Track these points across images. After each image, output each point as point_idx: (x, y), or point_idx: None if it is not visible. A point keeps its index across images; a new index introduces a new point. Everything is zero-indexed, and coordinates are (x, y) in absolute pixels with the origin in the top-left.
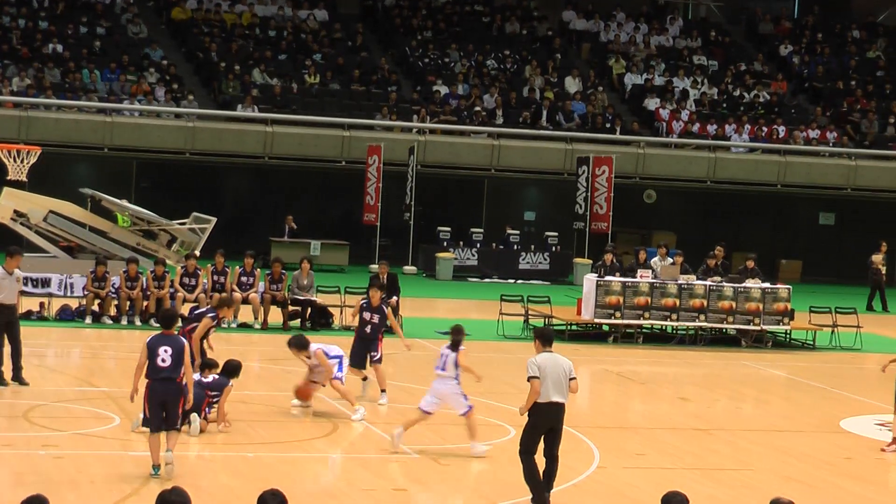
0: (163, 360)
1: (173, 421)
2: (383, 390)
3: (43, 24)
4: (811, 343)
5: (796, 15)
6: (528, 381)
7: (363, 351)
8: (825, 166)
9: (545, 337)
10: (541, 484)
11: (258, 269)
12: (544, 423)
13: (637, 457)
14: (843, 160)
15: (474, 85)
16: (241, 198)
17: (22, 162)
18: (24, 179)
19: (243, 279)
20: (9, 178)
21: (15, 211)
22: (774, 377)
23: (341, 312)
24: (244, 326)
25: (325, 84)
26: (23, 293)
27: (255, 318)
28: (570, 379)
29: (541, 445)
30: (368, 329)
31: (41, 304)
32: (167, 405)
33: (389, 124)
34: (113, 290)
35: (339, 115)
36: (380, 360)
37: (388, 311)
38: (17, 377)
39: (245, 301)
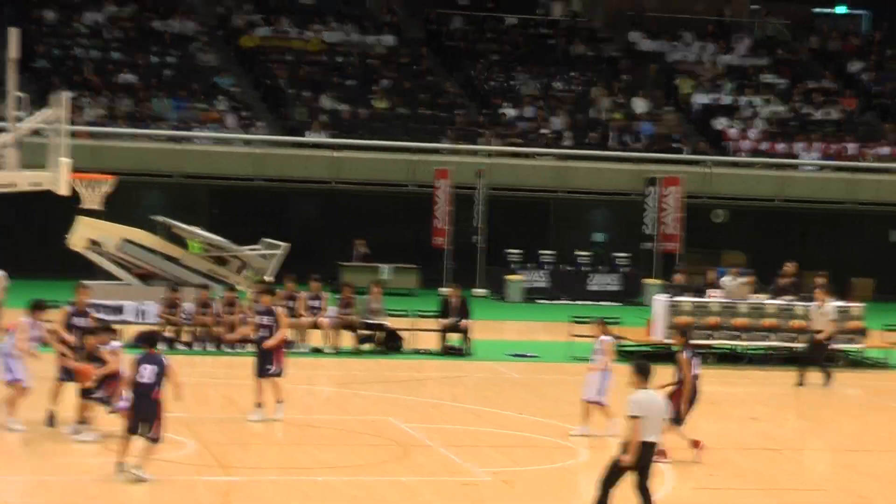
0: (141, 377)
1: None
2: (279, 401)
3: (115, 55)
4: (884, 361)
5: (865, 31)
6: (630, 419)
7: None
8: (893, 183)
9: (645, 372)
10: None
11: (327, 293)
12: (642, 463)
13: (707, 477)
14: None
15: (541, 107)
16: (310, 223)
17: (95, 191)
18: (98, 208)
19: (311, 303)
20: (83, 206)
21: (90, 239)
22: (847, 396)
23: (412, 335)
24: (316, 351)
25: (392, 109)
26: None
27: (326, 343)
28: (664, 419)
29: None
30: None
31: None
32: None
33: (456, 147)
34: (186, 317)
35: (406, 139)
36: (278, 373)
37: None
38: None
39: (314, 325)
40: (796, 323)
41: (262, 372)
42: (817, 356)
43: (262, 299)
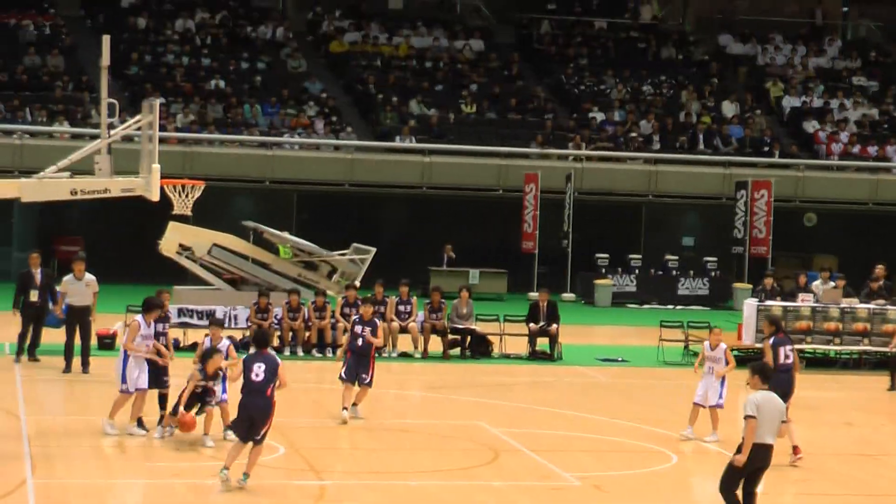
0: (256, 375)
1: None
2: (355, 404)
3: (205, 61)
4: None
5: None
6: (745, 419)
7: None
8: None
9: (765, 373)
10: None
11: (415, 298)
12: (751, 464)
13: (801, 483)
14: None
15: (630, 111)
16: (399, 227)
17: (186, 196)
18: (189, 213)
19: (400, 308)
20: (174, 212)
21: (180, 244)
22: None
23: (501, 340)
24: (404, 355)
25: (481, 113)
26: (187, 325)
27: (415, 348)
28: (783, 421)
29: None
30: (360, 342)
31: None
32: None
33: (546, 152)
34: (276, 321)
35: (495, 143)
36: (369, 384)
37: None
38: (84, 369)
39: (403, 330)
40: (889, 327)
41: (359, 381)
42: None
43: (364, 310)
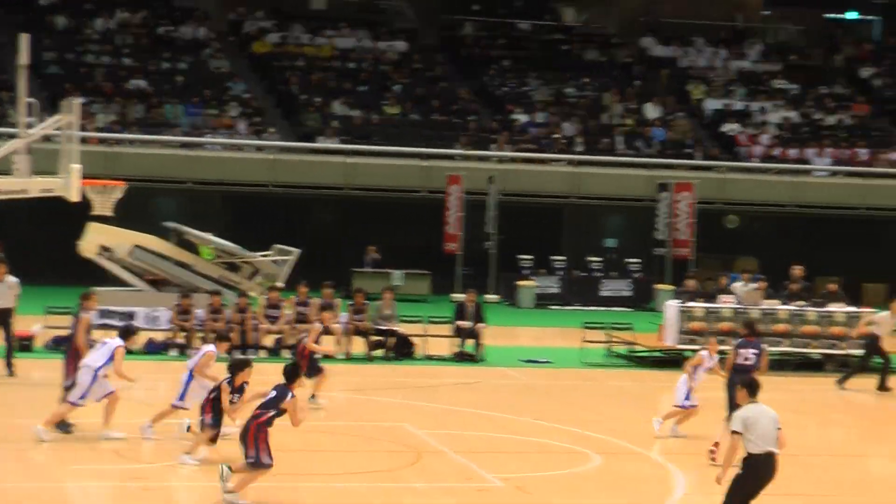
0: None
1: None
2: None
3: (126, 61)
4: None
5: (876, 37)
6: (732, 434)
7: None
8: None
9: (752, 387)
10: None
11: (339, 300)
12: (764, 476)
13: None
14: None
15: (553, 113)
16: (322, 229)
17: (107, 197)
18: (110, 214)
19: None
20: (94, 213)
21: (101, 245)
22: (862, 401)
23: (424, 341)
24: (327, 357)
25: (405, 115)
26: (108, 327)
27: (338, 349)
28: (777, 429)
29: None
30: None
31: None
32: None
33: (469, 153)
34: (198, 323)
35: (419, 145)
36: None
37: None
38: (9, 370)
39: (327, 332)
40: (808, 328)
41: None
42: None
43: (324, 316)
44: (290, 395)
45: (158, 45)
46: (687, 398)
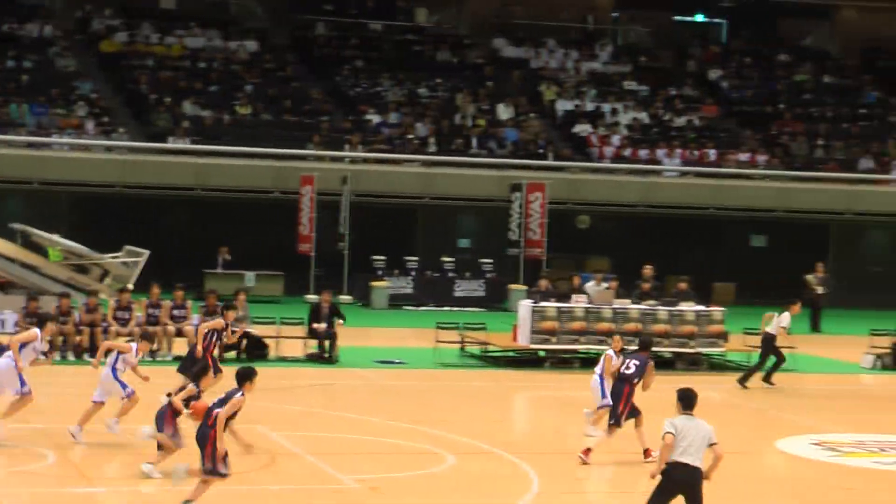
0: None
1: None
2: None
3: None
4: (746, 364)
5: (725, 40)
6: (662, 437)
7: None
8: (756, 189)
9: (686, 400)
10: None
11: (190, 301)
12: (672, 484)
13: (577, 482)
14: (773, 182)
15: (406, 113)
16: (174, 230)
17: None
18: None
19: (175, 312)
20: None
21: None
22: (710, 399)
23: (277, 343)
24: (179, 359)
25: (256, 115)
26: None
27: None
28: (711, 444)
29: None
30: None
31: None
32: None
33: (322, 154)
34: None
35: (271, 145)
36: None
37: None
38: None
39: (179, 333)
40: (659, 327)
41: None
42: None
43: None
44: (239, 394)
45: (3, 42)
46: (604, 396)
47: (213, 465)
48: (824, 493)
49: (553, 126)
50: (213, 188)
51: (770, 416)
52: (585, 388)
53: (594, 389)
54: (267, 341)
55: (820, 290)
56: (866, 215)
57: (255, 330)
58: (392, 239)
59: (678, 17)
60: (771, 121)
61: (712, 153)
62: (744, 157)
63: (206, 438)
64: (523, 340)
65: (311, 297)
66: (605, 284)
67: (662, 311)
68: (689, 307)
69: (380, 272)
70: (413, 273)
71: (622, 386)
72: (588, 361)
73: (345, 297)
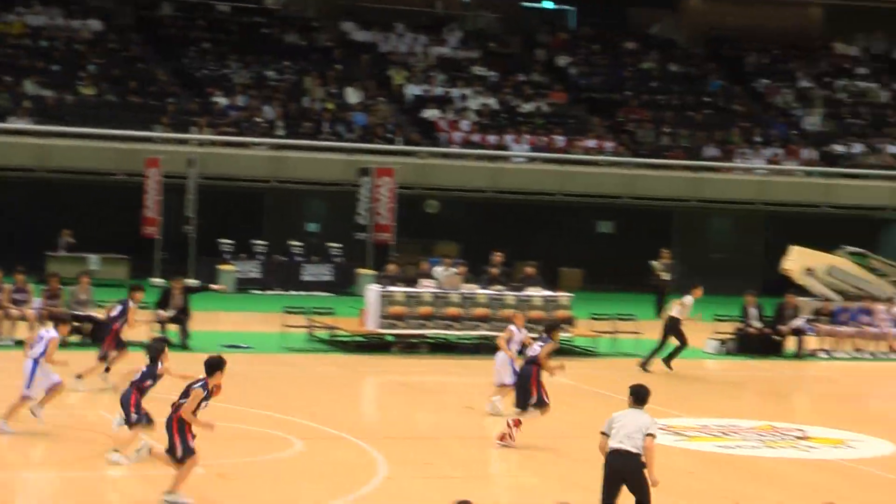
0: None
1: None
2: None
3: None
4: (593, 350)
5: (573, 27)
6: (601, 435)
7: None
8: (603, 176)
9: (636, 395)
10: None
11: (31, 285)
12: (609, 471)
13: (425, 466)
14: (620, 169)
15: (254, 96)
16: (14, 212)
17: None
18: None
19: (16, 296)
20: None
21: None
22: (559, 384)
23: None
24: (21, 343)
25: (100, 95)
26: None
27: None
28: (646, 435)
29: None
30: None
31: None
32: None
33: (168, 136)
34: None
35: (115, 126)
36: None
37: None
38: None
39: (21, 317)
40: (507, 312)
41: None
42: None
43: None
44: (198, 385)
45: None
46: (514, 375)
47: (172, 449)
48: (669, 478)
49: (402, 111)
50: (55, 170)
51: (616, 401)
52: (435, 373)
53: (502, 365)
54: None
55: (665, 276)
56: (710, 202)
57: (99, 314)
58: (240, 223)
59: (526, 4)
60: (618, 108)
61: (560, 139)
62: (591, 143)
63: (169, 425)
64: (371, 325)
65: (157, 281)
66: (453, 269)
67: (510, 296)
68: (536, 292)
69: (227, 256)
70: (260, 257)
71: (529, 368)
72: (436, 346)
73: (191, 282)
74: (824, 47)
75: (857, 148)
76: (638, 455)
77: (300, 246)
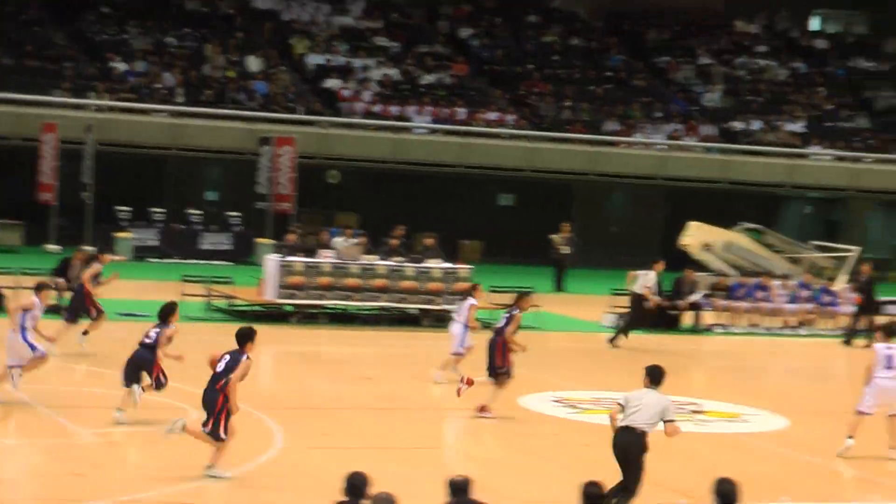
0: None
1: None
2: None
3: None
4: (491, 322)
5: None
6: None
7: None
8: (504, 148)
9: (651, 375)
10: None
11: None
12: (615, 448)
13: (322, 437)
14: (521, 142)
15: (154, 63)
16: None
17: None
18: None
19: None
20: None
21: None
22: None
23: (16, 294)
24: None
25: None
26: None
27: None
28: (667, 421)
29: None
30: None
31: None
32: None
33: (65, 101)
34: None
35: (11, 91)
36: None
37: None
38: None
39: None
40: (406, 284)
41: None
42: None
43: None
44: (244, 357)
45: None
46: (462, 344)
47: (215, 429)
48: (563, 449)
49: (304, 80)
50: None
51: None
52: (334, 343)
53: (454, 336)
54: (5, 292)
55: (565, 249)
56: (610, 177)
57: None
58: (138, 190)
59: None
60: (519, 81)
61: (462, 111)
62: (493, 116)
63: (213, 403)
64: (270, 295)
65: (52, 247)
66: (353, 240)
67: (410, 267)
68: (436, 264)
69: (124, 223)
70: (158, 225)
71: (495, 338)
72: (335, 317)
73: (88, 249)
74: (725, 25)
75: (756, 125)
76: (642, 434)
77: (199, 214)
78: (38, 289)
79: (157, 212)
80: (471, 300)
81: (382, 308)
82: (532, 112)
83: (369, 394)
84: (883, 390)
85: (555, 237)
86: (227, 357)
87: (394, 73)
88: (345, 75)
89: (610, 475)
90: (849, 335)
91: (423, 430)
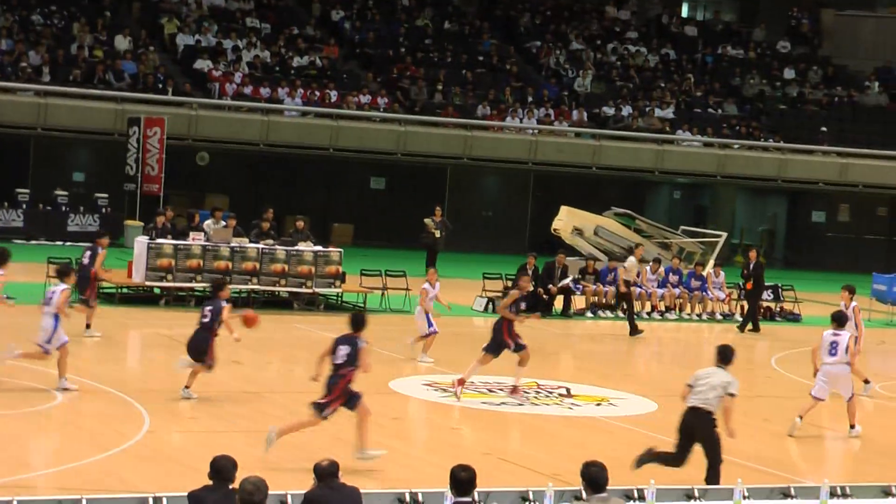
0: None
1: None
2: None
3: None
4: (362, 305)
5: None
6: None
7: None
8: (376, 132)
9: (721, 354)
10: (656, 454)
11: None
12: (682, 425)
13: (189, 420)
14: (393, 126)
15: (19, 40)
16: None
17: None
18: None
19: None
20: None
21: None
22: (326, 340)
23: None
24: None
25: None
26: None
27: None
28: (728, 394)
29: None
30: None
31: None
32: None
33: None
34: None
35: None
36: None
37: None
38: None
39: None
40: (277, 266)
41: None
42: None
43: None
44: (361, 342)
45: None
46: (430, 326)
47: (323, 408)
48: (433, 433)
49: (173, 61)
50: None
51: (384, 358)
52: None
53: (416, 320)
54: None
55: (437, 233)
56: (481, 161)
57: None
58: (3, 171)
59: None
60: (392, 64)
61: (333, 94)
62: (364, 99)
63: (335, 387)
64: (138, 277)
65: None
66: (223, 222)
67: (280, 250)
68: (306, 247)
69: None
70: (24, 206)
71: (500, 321)
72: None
73: None
74: (596, 10)
75: (626, 110)
76: (710, 413)
77: (66, 195)
78: (62, 274)
79: (22, 192)
80: (425, 285)
81: (253, 291)
82: (404, 96)
83: (238, 377)
84: (830, 375)
85: (428, 221)
86: (347, 347)
87: (265, 55)
88: (215, 56)
89: (476, 459)
90: (744, 322)
91: (291, 413)
